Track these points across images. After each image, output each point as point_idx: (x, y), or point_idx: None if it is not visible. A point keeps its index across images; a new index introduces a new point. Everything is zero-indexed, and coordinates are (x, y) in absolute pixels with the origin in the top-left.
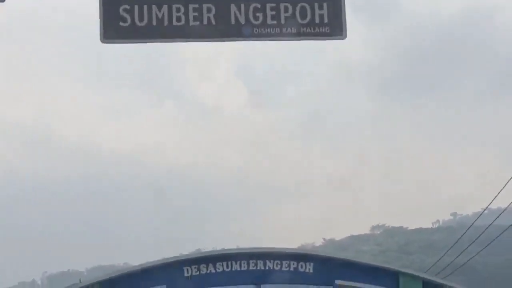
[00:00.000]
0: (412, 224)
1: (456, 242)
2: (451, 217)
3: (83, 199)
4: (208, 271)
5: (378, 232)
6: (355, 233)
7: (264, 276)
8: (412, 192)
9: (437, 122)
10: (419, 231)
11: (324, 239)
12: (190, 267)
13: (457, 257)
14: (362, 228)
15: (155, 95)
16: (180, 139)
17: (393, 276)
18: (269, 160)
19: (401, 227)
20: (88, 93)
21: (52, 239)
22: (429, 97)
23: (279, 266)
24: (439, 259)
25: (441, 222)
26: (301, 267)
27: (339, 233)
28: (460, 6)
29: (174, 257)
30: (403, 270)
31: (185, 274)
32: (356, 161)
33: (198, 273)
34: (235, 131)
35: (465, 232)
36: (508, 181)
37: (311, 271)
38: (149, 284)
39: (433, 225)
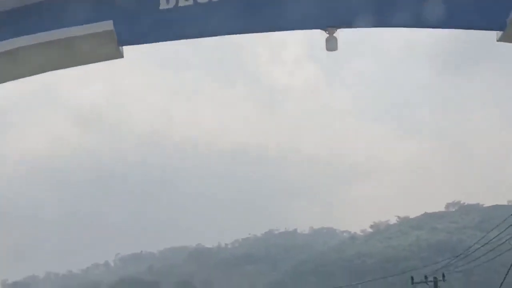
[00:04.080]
0: (488, 201)
1: None
2: None
3: (155, 183)
4: None
5: (453, 210)
6: (430, 210)
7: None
8: (486, 170)
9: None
10: (495, 208)
11: (398, 217)
12: None
13: None
14: (436, 205)
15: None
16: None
17: None
18: (342, 140)
19: (477, 204)
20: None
21: (125, 222)
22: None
23: None
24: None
25: None
26: None
27: (413, 211)
28: None
29: None
30: None
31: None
32: (430, 139)
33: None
34: (307, 113)
35: None
36: None
37: None
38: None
39: (508, 203)
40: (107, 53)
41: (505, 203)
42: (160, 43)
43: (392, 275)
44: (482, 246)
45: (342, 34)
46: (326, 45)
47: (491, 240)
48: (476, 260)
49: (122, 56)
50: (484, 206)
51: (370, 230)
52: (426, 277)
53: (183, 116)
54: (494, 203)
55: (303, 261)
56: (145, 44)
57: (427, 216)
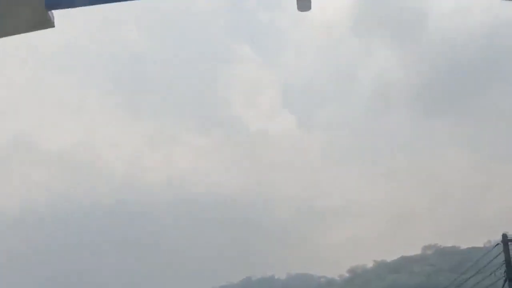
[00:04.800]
0: (464, 243)
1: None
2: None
3: (124, 228)
4: None
5: (430, 252)
6: (406, 254)
7: None
8: (461, 212)
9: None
10: (472, 250)
11: (375, 260)
12: None
13: None
14: (413, 248)
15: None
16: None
17: None
18: (316, 185)
19: (454, 246)
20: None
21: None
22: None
23: None
24: (497, 281)
25: (492, 242)
26: None
27: (390, 255)
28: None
29: None
30: None
31: None
32: (406, 182)
33: None
34: (282, 156)
35: None
36: None
37: None
38: None
39: (484, 245)
40: (35, 20)
41: (481, 245)
42: None
43: None
44: None
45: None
46: (297, 5)
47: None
48: None
49: (52, 25)
50: (460, 248)
51: (347, 274)
52: None
53: (157, 161)
54: (471, 245)
55: None
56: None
57: (404, 260)
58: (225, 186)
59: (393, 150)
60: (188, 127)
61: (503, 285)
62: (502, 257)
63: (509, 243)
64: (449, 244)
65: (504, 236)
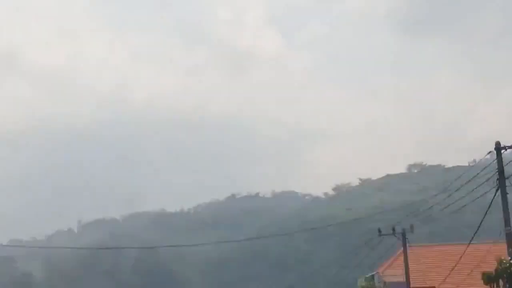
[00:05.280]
0: (449, 162)
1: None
2: (488, 156)
3: (117, 146)
4: None
5: (416, 171)
6: (392, 172)
7: None
8: (447, 131)
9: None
10: (457, 168)
11: (360, 179)
12: None
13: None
14: (399, 167)
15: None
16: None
17: None
18: (301, 104)
19: (439, 165)
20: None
21: (87, 188)
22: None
23: None
24: (481, 195)
25: (477, 161)
26: None
27: (376, 173)
28: None
29: None
30: None
31: None
32: (390, 103)
33: None
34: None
35: None
36: None
37: None
38: None
39: (469, 164)
40: None
41: (466, 164)
42: None
43: (355, 236)
44: (445, 207)
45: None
46: None
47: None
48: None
49: None
50: (445, 167)
51: (332, 192)
52: (393, 229)
53: (144, 79)
54: (456, 164)
55: (266, 225)
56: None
57: (389, 178)
58: (211, 105)
59: (379, 70)
60: (175, 45)
61: (495, 195)
62: (490, 170)
63: (502, 150)
64: (435, 163)
65: (497, 143)
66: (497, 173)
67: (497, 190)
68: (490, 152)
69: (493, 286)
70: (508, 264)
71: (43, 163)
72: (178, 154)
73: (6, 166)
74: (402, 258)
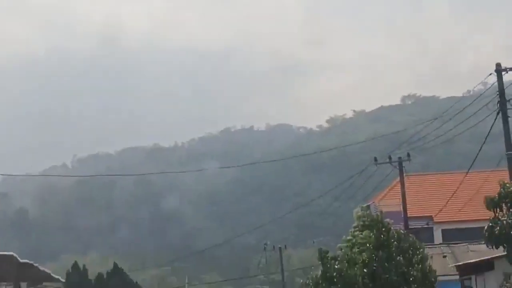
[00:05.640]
0: (443, 93)
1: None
2: (481, 87)
3: (110, 82)
4: None
5: (410, 102)
6: (386, 103)
7: None
8: (441, 62)
9: None
10: (451, 99)
11: (354, 110)
12: None
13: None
14: (393, 98)
15: None
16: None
17: None
18: (297, 34)
19: (433, 96)
20: None
21: (81, 123)
22: None
23: None
24: (474, 124)
25: (471, 92)
26: None
27: (369, 105)
28: None
29: None
30: None
31: None
32: (384, 33)
33: None
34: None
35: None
36: None
37: None
38: None
39: (463, 95)
40: None
41: (460, 95)
42: None
43: (349, 167)
44: (438, 137)
45: None
46: None
47: (449, 131)
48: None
49: None
50: (440, 98)
51: (326, 125)
52: (390, 157)
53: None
54: (450, 95)
55: (261, 158)
56: None
57: (383, 109)
58: (205, 37)
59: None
60: None
61: (495, 118)
62: (484, 98)
63: (503, 72)
64: (429, 94)
65: (498, 64)
66: (498, 95)
67: (498, 113)
68: (490, 74)
69: (496, 211)
70: (511, 188)
71: (36, 95)
72: (171, 87)
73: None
74: (398, 187)
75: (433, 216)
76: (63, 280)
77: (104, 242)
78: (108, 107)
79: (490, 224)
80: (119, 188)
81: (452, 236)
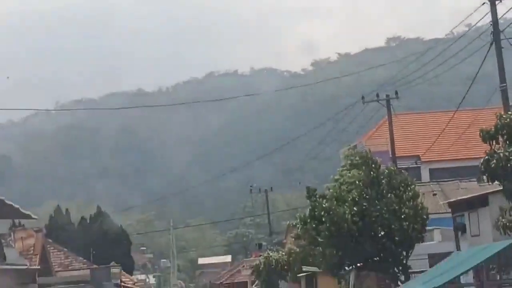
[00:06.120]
0: (427, 34)
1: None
2: (466, 28)
3: (92, 23)
4: None
5: (394, 45)
6: (370, 46)
7: None
8: (424, 3)
9: None
10: (435, 41)
11: (339, 54)
12: None
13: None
14: (377, 41)
15: None
16: None
17: None
18: None
19: (417, 38)
20: None
21: (63, 70)
22: None
23: None
24: (457, 64)
25: (455, 33)
26: None
27: (354, 48)
28: None
29: None
30: None
31: None
32: None
33: None
34: None
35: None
36: None
37: None
38: None
39: (446, 36)
40: None
41: (443, 36)
42: None
43: (334, 109)
44: (421, 76)
45: None
46: None
47: (433, 69)
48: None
49: None
50: (424, 39)
51: (310, 68)
52: (377, 95)
53: None
54: (434, 37)
55: (246, 101)
56: None
57: (368, 52)
58: None
59: None
60: None
61: (489, 49)
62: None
63: (496, 1)
64: (413, 36)
65: None
66: (491, 25)
67: (491, 44)
68: (483, 3)
69: (492, 143)
70: (508, 119)
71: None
72: (154, 30)
73: None
74: (384, 127)
75: (420, 155)
76: (36, 217)
77: (89, 189)
78: (87, 53)
79: (487, 157)
80: (103, 135)
81: (440, 175)
